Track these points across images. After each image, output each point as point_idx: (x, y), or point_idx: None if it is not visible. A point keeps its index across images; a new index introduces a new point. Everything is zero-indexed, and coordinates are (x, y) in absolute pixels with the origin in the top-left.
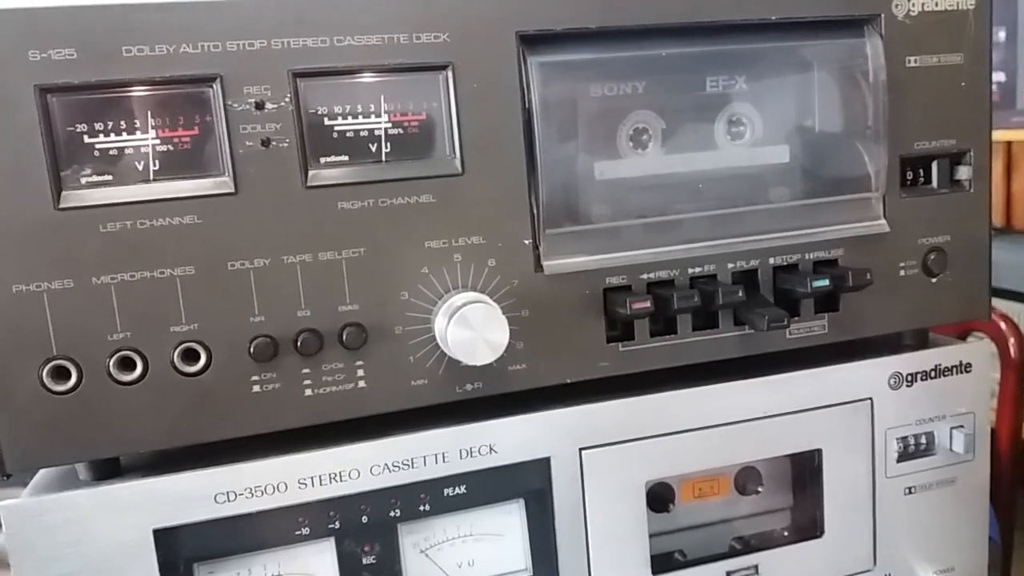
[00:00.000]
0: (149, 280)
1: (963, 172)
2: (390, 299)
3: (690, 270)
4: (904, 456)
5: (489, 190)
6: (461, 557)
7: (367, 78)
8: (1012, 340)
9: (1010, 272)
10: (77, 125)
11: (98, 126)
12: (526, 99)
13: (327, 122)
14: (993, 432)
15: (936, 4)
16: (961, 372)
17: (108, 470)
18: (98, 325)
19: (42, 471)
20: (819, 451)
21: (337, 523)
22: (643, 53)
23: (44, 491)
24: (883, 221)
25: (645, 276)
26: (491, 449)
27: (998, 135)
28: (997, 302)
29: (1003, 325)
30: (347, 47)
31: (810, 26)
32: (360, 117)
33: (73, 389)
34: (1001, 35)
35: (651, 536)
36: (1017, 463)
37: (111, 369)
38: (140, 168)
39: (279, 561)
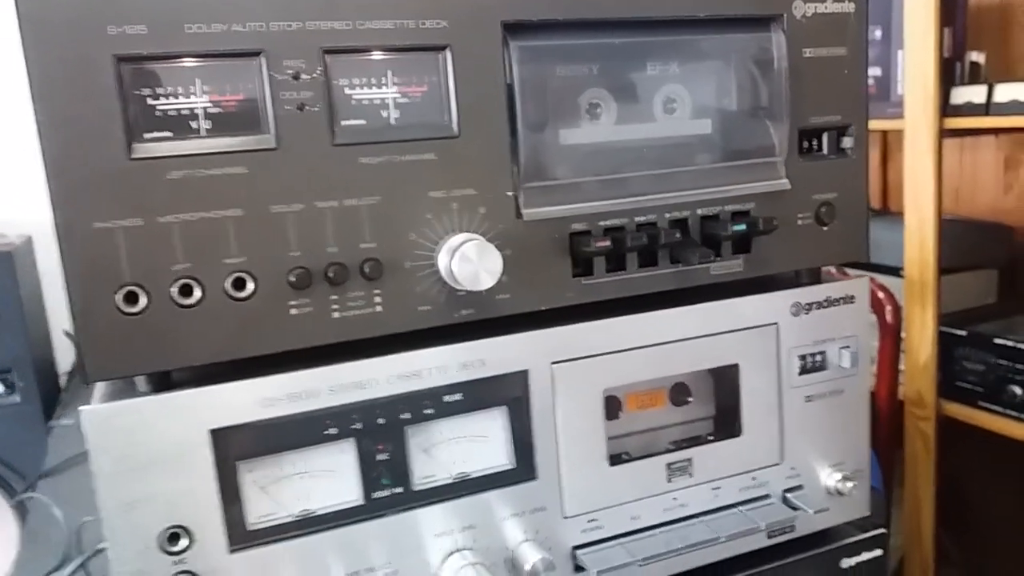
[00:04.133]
0: (206, 220)
1: (847, 142)
2: (401, 239)
3: (636, 218)
4: (803, 370)
5: (480, 150)
6: (456, 455)
7: (381, 55)
8: (889, 308)
9: (887, 249)
10: (143, 89)
11: (160, 90)
12: (508, 75)
13: (347, 91)
14: (873, 395)
15: (826, 7)
16: (847, 303)
17: (162, 383)
18: (163, 257)
19: (99, 386)
20: (736, 366)
21: (359, 425)
22: (598, 41)
23: (111, 400)
24: (785, 180)
25: (602, 223)
26: (482, 363)
27: (875, 124)
28: (876, 275)
29: (881, 295)
30: (366, 29)
31: (729, 22)
32: (375, 88)
33: (142, 311)
34: (877, 33)
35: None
36: (895, 423)
37: (174, 294)
38: (194, 126)
39: (307, 459)
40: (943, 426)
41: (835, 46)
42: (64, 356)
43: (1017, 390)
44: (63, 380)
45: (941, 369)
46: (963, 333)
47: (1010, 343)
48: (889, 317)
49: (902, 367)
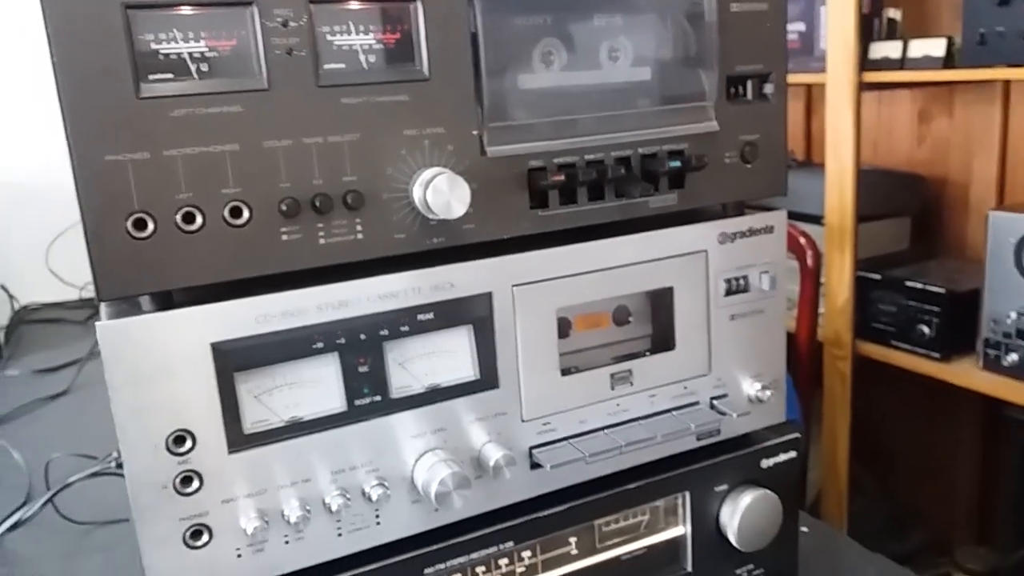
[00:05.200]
0: (206, 154)
1: (768, 88)
2: (379, 173)
3: (586, 156)
4: (729, 292)
5: (448, 93)
6: (427, 368)
7: (359, 5)
8: (809, 253)
9: (809, 198)
10: (148, 34)
11: (163, 35)
12: (472, 25)
13: (329, 37)
14: (794, 336)
15: None
16: (766, 233)
17: (165, 302)
18: (168, 187)
19: (104, 306)
20: (671, 288)
21: (342, 339)
22: None
23: (119, 317)
24: (714, 122)
25: (556, 160)
26: (451, 285)
27: (799, 78)
28: (797, 223)
29: (802, 240)
30: None
31: None
32: (354, 34)
33: (150, 236)
34: None
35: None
36: (815, 362)
37: (178, 221)
38: (194, 69)
39: (296, 371)
40: (858, 364)
41: (758, 1)
42: (1, 311)
43: (925, 329)
44: (1, 335)
45: (857, 311)
46: (878, 277)
47: (919, 285)
48: (810, 262)
49: (821, 310)
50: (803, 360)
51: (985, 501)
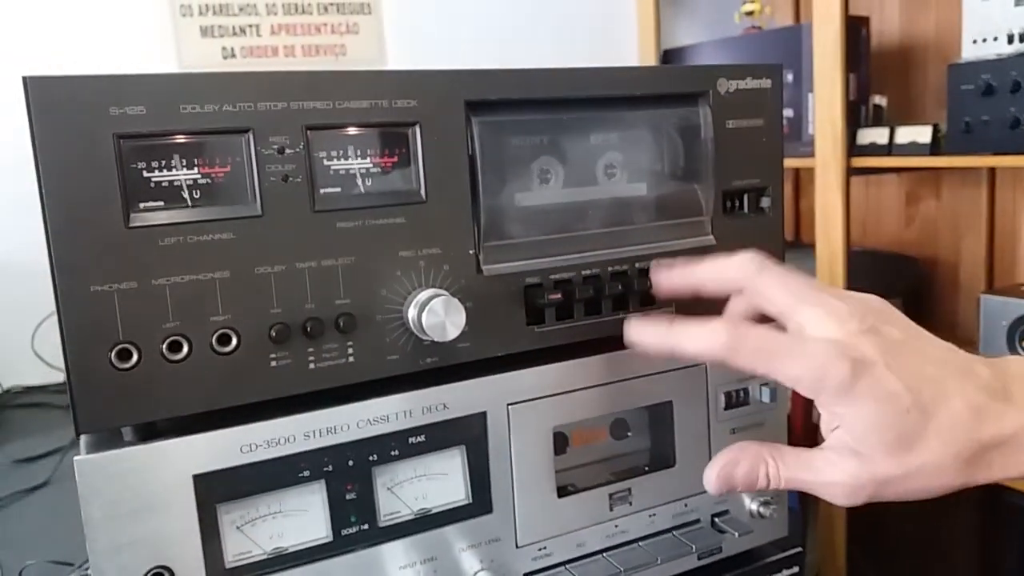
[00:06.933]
0: (195, 282)
1: (765, 202)
2: (373, 295)
3: (583, 272)
4: (729, 405)
5: (444, 213)
6: (417, 492)
7: (357, 131)
8: None
9: None
10: (140, 163)
11: (154, 164)
12: (470, 147)
13: (326, 163)
14: (789, 418)
15: (746, 84)
16: None
17: (148, 432)
18: (155, 316)
19: (84, 437)
20: (670, 402)
21: (330, 467)
22: (548, 116)
23: (99, 449)
24: (711, 237)
25: (553, 276)
26: (444, 406)
27: (788, 163)
28: None
29: None
30: (344, 108)
31: (662, 98)
32: (351, 159)
33: (135, 367)
34: (789, 77)
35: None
36: (811, 445)
37: (164, 351)
38: (186, 196)
39: (280, 500)
40: None
41: (754, 118)
42: None
43: None
44: None
45: None
46: None
47: None
48: None
49: None
50: (799, 443)
51: None
